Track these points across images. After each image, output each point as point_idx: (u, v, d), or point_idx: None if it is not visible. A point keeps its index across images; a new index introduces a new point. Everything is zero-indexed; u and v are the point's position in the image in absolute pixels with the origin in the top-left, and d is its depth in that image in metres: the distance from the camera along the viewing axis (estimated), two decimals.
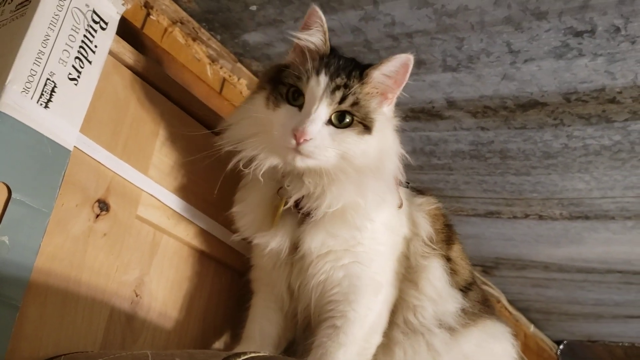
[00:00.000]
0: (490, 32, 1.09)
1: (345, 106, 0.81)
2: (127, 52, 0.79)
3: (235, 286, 0.92)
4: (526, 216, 1.72)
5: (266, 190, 0.84)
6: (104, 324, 0.71)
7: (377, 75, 0.87)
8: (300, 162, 0.78)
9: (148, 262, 0.78)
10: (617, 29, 1.01)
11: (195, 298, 0.84)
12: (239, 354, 0.51)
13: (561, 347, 2.90)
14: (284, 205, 0.81)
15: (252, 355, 0.53)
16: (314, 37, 0.88)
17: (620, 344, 2.79)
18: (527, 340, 2.60)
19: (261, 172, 0.80)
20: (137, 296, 0.76)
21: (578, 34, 1.04)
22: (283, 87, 0.83)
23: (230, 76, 1.34)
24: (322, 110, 0.79)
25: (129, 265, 0.76)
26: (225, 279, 0.90)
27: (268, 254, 0.83)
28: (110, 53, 0.78)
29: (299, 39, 0.89)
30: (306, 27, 0.89)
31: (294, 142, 0.76)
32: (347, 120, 0.81)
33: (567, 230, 1.75)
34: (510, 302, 2.46)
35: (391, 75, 0.87)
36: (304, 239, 0.81)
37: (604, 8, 0.97)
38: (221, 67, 1.32)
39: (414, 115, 1.38)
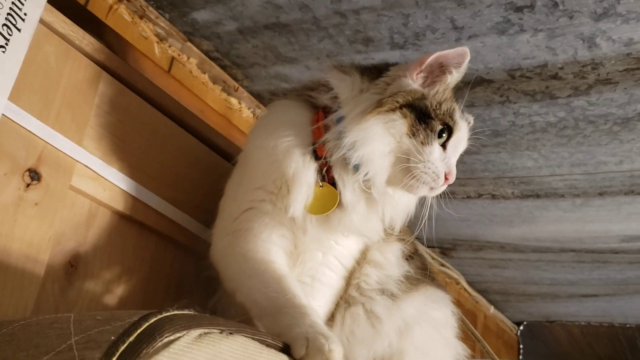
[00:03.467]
0: (435, 8, 1.10)
1: None
2: (61, 22, 0.78)
3: (179, 260, 0.92)
4: (479, 196, 1.75)
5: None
6: (35, 294, 0.70)
7: None
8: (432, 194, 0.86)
9: (84, 234, 0.78)
10: (555, 4, 1.03)
11: (134, 271, 0.83)
12: (160, 311, 0.51)
13: (521, 328, 2.96)
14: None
15: (175, 312, 0.53)
16: (459, 76, 0.91)
17: (577, 324, 2.87)
18: (487, 322, 2.65)
19: (379, 191, 0.82)
20: (72, 267, 0.75)
21: (518, 9, 1.06)
22: (435, 123, 0.85)
23: (179, 55, 1.33)
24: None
25: (63, 235, 0.75)
26: (167, 252, 0.89)
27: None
28: (43, 22, 0.77)
29: (450, 76, 0.91)
30: (458, 66, 0.92)
31: (442, 183, 0.84)
32: None
33: (519, 210, 1.79)
34: (470, 283, 2.50)
35: None
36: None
37: None
38: (170, 46, 1.31)
39: None
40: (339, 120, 0.85)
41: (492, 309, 2.69)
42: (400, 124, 0.83)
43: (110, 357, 0.47)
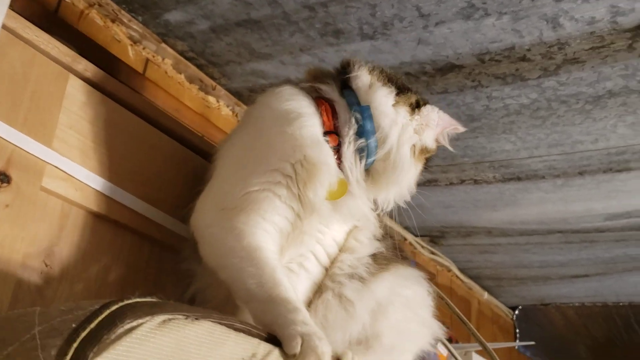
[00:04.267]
0: None
1: None
2: (25, 28, 0.79)
3: (155, 257, 0.93)
4: (462, 182, 1.77)
5: None
6: (10, 293, 0.71)
7: None
8: None
9: (57, 234, 0.79)
10: None
11: (111, 269, 0.85)
12: (122, 299, 0.53)
13: (516, 312, 2.98)
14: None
15: (137, 300, 0.54)
16: None
17: (571, 305, 2.89)
18: (481, 308, 2.68)
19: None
20: (47, 266, 0.77)
21: None
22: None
23: (154, 56, 1.34)
24: None
25: (36, 236, 0.76)
26: (143, 249, 0.91)
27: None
28: (6, 29, 0.79)
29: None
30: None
31: None
32: None
33: (502, 193, 1.81)
34: (462, 270, 2.52)
35: None
36: None
37: None
38: (144, 48, 1.32)
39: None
40: (366, 117, 0.89)
41: (485, 295, 2.71)
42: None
43: (71, 343, 0.48)
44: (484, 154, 1.60)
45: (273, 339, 0.68)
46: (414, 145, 0.95)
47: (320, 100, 0.92)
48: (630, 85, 1.26)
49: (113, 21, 1.26)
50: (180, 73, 1.39)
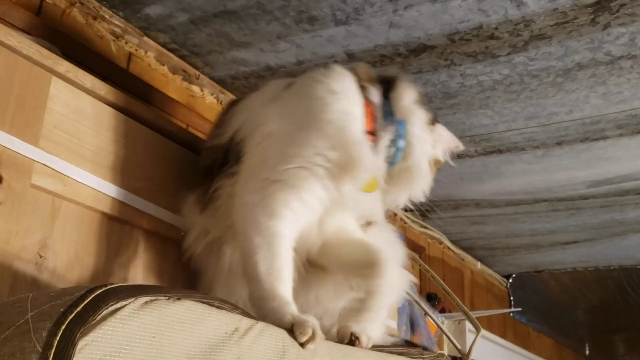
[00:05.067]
0: None
1: None
2: (7, 35, 0.84)
3: (151, 246, 1.00)
4: None
5: None
6: (8, 283, 0.77)
7: None
8: None
9: (49, 227, 0.85)
10: None
11: (101, 258, 0.91)
12: (106, 285, 0.58)
13: (510, 280, 3.05)
14: None
15: (120, 285, 0.59)
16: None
17: (564, 271, 2.96)
18: (474, 277, 2.75)
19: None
20: (41, 257, 0.83)
21: None
22: None
23: (137, 50, 1.39)
24: None
25: (29, 230, 0.82)
26: (132, 239, 0.97)
27: None
28: None
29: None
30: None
31: None
32: None
33: (485, 166, 1.86)
34: (455, 242, 2.58)
35: None
36: None
37: None
38: (127, 43, 1.37)
39: None
40: (401, 131, 1.00)
41: (479, 265, 2.78)
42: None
43: (60, 325, 0.53)
44: (464, 129, 1.65)
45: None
46: (430, 158, 1.07)
47: (367, 102, 1.00)
48: (597, 57, 1.30)
49: (95, 18, 1.31)
50: (164, 65, 1.44)
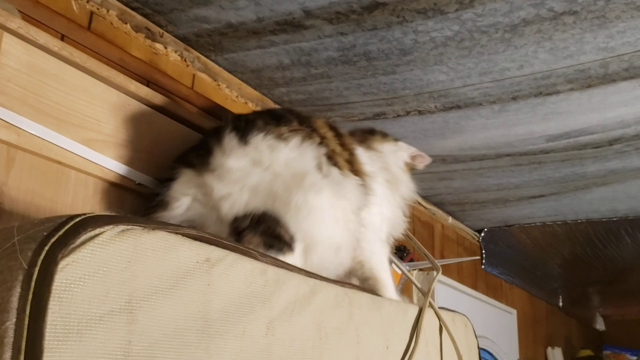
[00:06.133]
0: None
1: None
2: None
3: (104, 195, 1.06)
4: (407, 113, 1.88)
5: None
6: None
7: None
8: None
9: (5, 174, 0.91)
10: None
11: (57, 204, 0.98)
12: (85, 213, 0.64)
13: (482, 234, 3.16)
14: None
15: (99, 214, 0.65)
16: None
17: (534, 225, 3.05)
18: (445, 231, 2.84)
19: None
20: None
21: None
22: None
23: (98, 9, 1.42)
24: None
25: None
26: (88, 187, 1.03)
27: None
28: None
29: None
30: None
31: None
32: None
33: (446, 122, 1.92)
34: (425, 198, 2.67)
35: None
36: None
37: None
38: (88, 2, 1.40)
39: (281, 28, 1.49)
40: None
41: (450, 219, 2.87)
42: None
43: (43, 247, 0.59)
44: (422, 85, 1.70)
45: (231, 248, 0.77)
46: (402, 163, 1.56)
47: None
48: (541, 13, 1.35)
49: None
50: (126, 23, 1.48)
